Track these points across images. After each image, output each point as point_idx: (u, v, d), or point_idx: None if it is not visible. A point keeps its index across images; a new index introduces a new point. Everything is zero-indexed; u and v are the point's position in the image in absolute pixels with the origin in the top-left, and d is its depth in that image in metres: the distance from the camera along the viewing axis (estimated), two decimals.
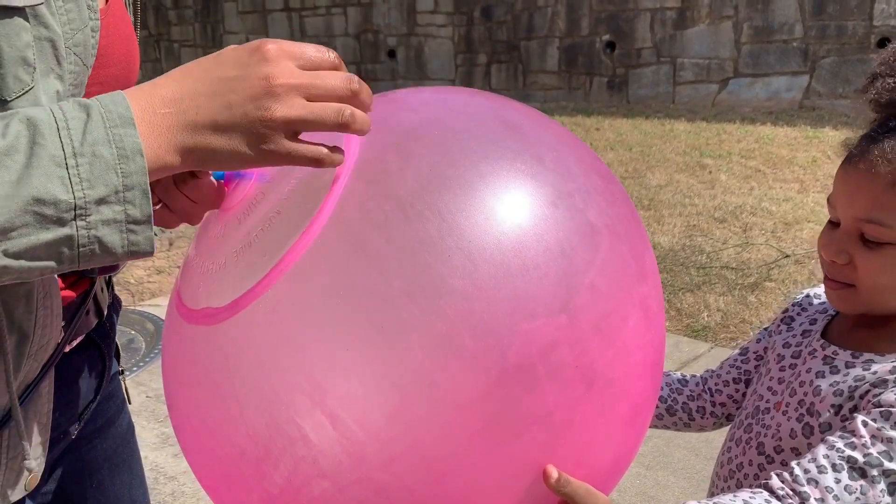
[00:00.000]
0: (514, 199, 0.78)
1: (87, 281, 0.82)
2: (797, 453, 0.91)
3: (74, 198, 0.60)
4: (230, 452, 0.78)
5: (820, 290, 1.07)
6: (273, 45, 0.66)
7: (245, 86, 0.64)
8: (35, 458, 0.76)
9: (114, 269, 0.81)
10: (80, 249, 0.61)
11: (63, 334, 0.77)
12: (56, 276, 0.73)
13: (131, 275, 4.08)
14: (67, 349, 0.84)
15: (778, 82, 7.87)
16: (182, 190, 0.78)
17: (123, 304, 3.70)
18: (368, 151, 0.80)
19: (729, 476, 1.00)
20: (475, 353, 0.72)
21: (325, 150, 0.70)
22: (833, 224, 0.93)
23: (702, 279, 3.96)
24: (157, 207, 0.79)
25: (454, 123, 0.84)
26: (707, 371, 1.18)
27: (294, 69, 0.66)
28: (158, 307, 3.74)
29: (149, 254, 0.66)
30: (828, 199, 0.94)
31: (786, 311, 1.08)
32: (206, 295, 0.80)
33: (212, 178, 0.81)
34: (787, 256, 4.14)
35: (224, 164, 0.68)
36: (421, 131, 0.82)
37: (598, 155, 0.96)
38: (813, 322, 1.02)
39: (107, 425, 0.98)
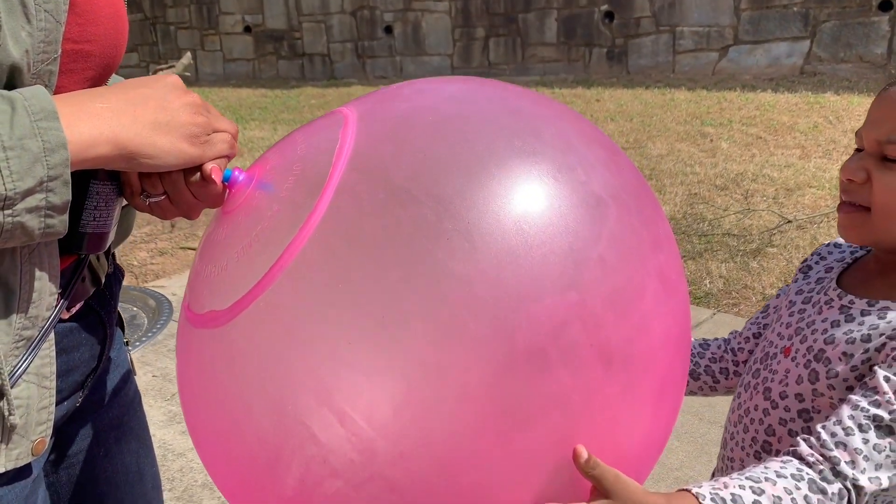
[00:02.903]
0: (512, 177, 0.74)
1: (75, 255, 0.83)
2: (801, 399, 0.90)
3: (6, 190, 0.63)
4: (242, 457, 0.77)
5: (841, 240, 1.04)
6: (188, 92, 0.79)
7: (174, 97, 0.75)
8: (40, 422, 0.77)
9: (101, 247, 0.82)
10: (2, 235, 0.65)
11: (59, 298, 0.77)
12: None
13: (135, 257, 4.09)
14: (66, 316, 0.84)
15: (778, 48, 7.79)
16: (190, 187, 0.79)
17: (125, 284, 3.73)
18: (363, 143, 0.77)
19: (738, 421, 0.99)
20: (481, 338, 0.69)
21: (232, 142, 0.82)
22: (857, 151, 0.92)
23: (704, 247, 3.95)
24: (162, 198, 0.80)
25: (447, 108, 0.80)
26: (732, 332, 1.16)
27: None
28: (162, 288, 3.75)
29: (61, 234, 0.70)
30: (856, 132, 0.93)
31: (805, 260, 1.06)
32: (210, 299, 0.79)
33: (220, 182, 0.82)
34: (789, 222, 4.12)
35: (160, 158, 0.74)
36: (414, 118, 0.79)
37: (599, 126, 0.94)
38: (829, 270, 1.00)
39: (113, 394, 0.98)
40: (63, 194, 0.67)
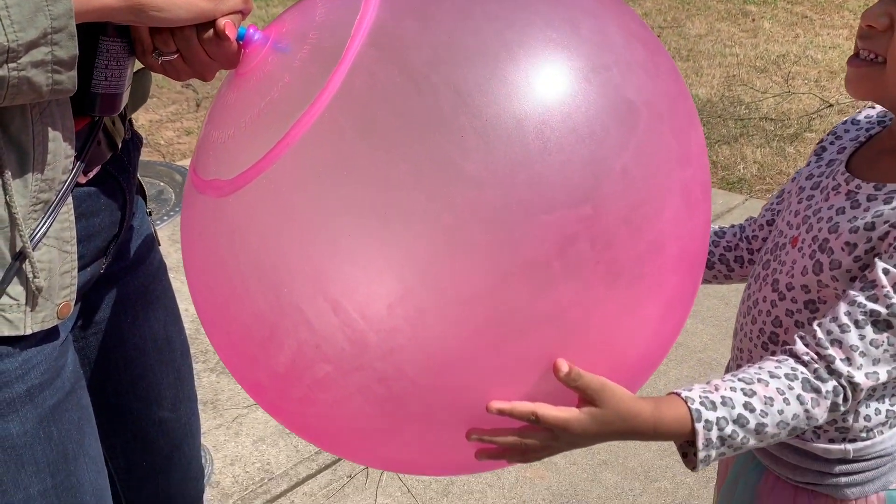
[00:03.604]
0: (540, 74, 0.68)
1: (88, 117, 0.82)
2: (806, 290, 0.88)
3: (8, 41, 0.61)
4: (238, 329, 0.77)
5: (860, 115, 0.99)
6: None
7: None
8: (64, 286, 0.77)
9: (114, 109, 0.81)
10: (9, 89, 0.63)
11: (74, 161, 0.77)
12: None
13: (161, 136, 4.08)
14: (83, 180, 0.83)
15: None
16: (203, 44, 0.76)
17: (151, 160, 3.73)
18: (386, 15, 0.71)
19: (746, 312, 0.98)
20: (484, 247, 0.66)
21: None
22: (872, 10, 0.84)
23: (739, 131, 3.83)
24: (174, 56, 0.77)
25: None
26: (748, 219, 1.12)
27: None
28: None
29: (70, 92, 0.68)
30: None
31: (821, 140, 1.01)
32: (216, 166, 0.77)
33: (234, 39, 0.79)
34: (831, 106, 3.97)
35: (170, 11, 0.70)
36: None
37: (636, 4, 0.88)
38: (842, 151, 0.95)
39: (137, 262, 0.99)
40: (69, 48, 0.65)
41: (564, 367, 0.71)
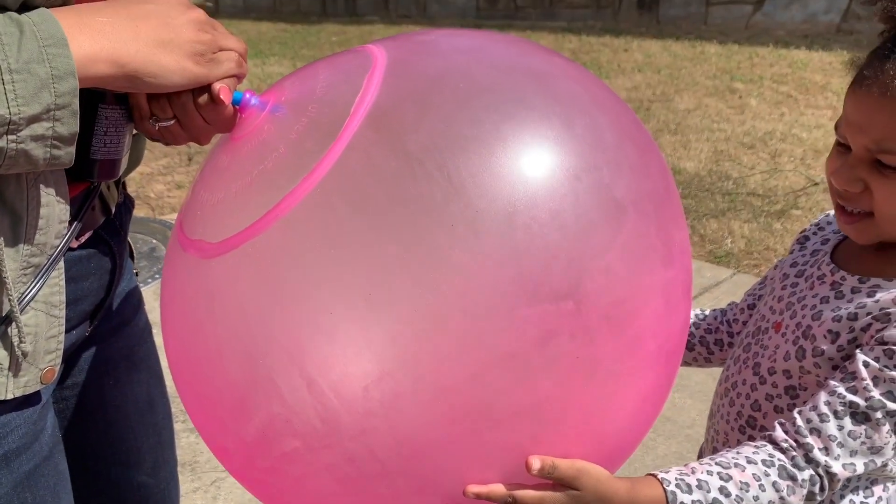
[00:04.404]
0: (533, 169, 0.69)
1: (86, 182, 0.82)
2: (788, 376, 0.88)
3: (10, 114, 0.61)
4: (210, 393, 0.75)
5: None
6: (196, 8, 0.74)
7: (177, 12, 0.71)
8: (49, 351, 0.76)
9: (113, 174, 0.81)
10: (5, 160, 0.63)
11: (68, 226, 0.76)
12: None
13: (151, 189, 4.07)
14: (75, 244, 0.82)
15: (816, 4, 7.51)
16: (199, 110, 0.76)
17: (144, 216, 3.73)
18: (386, 98, 0.72)
19: (724, 394, 0.98)
20: (465, 335, 0.66)
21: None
22: (842, 147, 0.85)
23: (727, 205, 3.89)
24: (171, 122, 0.77)
25: (482, 76, 0.74)
26: (730, 303, 1.13)
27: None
28: None
29: (67, 165, 0.68)
30: (836, 125, 0.85)
31: (804, 230, 1.03)
32: (202, 227, 0.77)
33: (229, 104, 0.79)
34: (816, 184, 4.04)
35: (164, 77, 0.70)
36: (444, 82, 0.73)
37: (626, 77, 0.89)
38: (825, 242, 0.96)
39: (123, 324, 0.97)
40: (71, 125, 0.65)
41: (537, 463, 0.70)
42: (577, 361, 0.69)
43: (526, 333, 0.66)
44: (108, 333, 0.95)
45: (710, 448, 1.01)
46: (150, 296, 1.04)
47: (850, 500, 0.89)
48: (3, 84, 0.60)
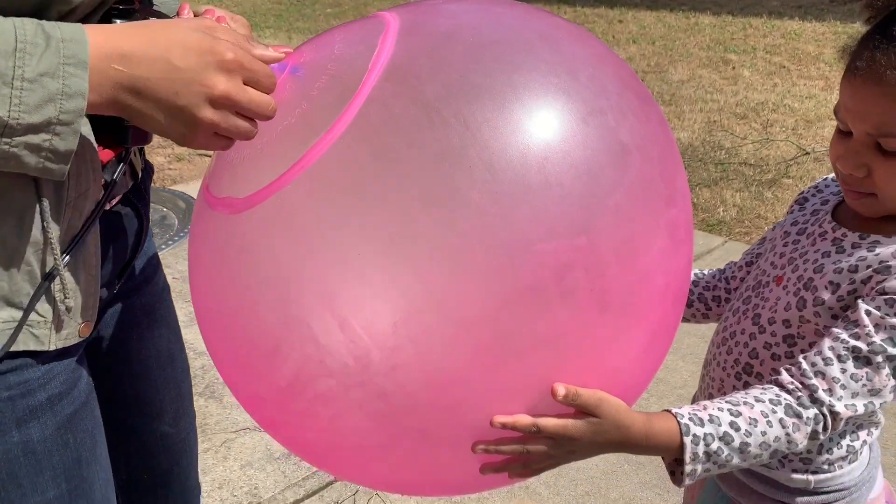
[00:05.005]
0: (543, 114, 0.73)
1: (121, 148, 0.86)
2: (787, 325, 0.93)
3: (9, 118, 0.62)
4: (244, 343, 0.78)
5: None
6: (231, 55, 0.70)
7: (197, 86, 0.68)
8: (87, 307, 0.80)
9: (145, 140, 0.84)
10: None
11: (103, 191, 0.80)
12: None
13: (152, 161, 4.10)
14: (108, 207, 0.87)
15: None
16: None
17: (153, 186, 3.77)
18: (401, 54, 0.75)
19: (722, 343, 1.02)
20: (487, 271, 0.69)
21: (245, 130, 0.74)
22: (843, 133, 0.88)
23: (720, 175, 3.94)
24: None
25: (490, 32, 0.78)
26: (728, 263, 1.18)
27: (238, 82, 0.71)
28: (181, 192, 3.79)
29: (57, 179, 0.69)
30: (835, 109, 0.89)
31: (802, 192, 1.07)
32: (229, 184, 0.79)
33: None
34: (807, 154, 4.09)
35: (150, 129, 0.72)
36: (455, 37, 0.77)
37: (620, 49, 0.93)
38: (825, 203, 1.00)
39: (144, 282, 1.02)
40: (69, 143, 0.66)
41: (562, 390, 0.74)
42: (592, 293, 0.73)
43: (544, 267, 0.70)
44: (131, 291, 0.99)
45: (704, 395, 1.05)
46: (164, 261, 1.09)
47: (838, 443, 0.94)
48: (12, 90, 0.62)
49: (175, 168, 4.07)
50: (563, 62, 0.78)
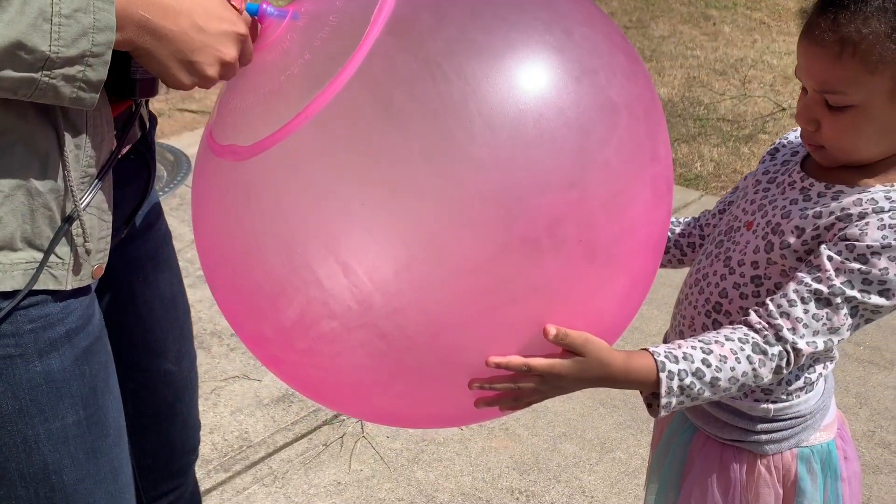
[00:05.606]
0: (539, 71, 0.76)
1: (130, 100, 0.90)
2: (755, 266, 0.99)
3: (50, 52, 0.69)
4: (248, 285, 0.81)
5: None
6: (244, 30, 0.81)
7: (212, 50, 0.78)
8: (99, 250, 0.85)
9: (152, 93, 0.89)
10: (35, 91, 0.71)
11: (115, 141, 0.85)
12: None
13: None
14: (120, 156, 0.90)
15: None
16: None
17: None
18: (403, 8, 0.77)
19: (694, 284, 1.08)
20: (484, 222, 0.72)
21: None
22: (804, 91, 0.96)
23: (698, 130, 3.99)
24: None
25: None
26: (703, 211, 1.23)
27: (240, 51, 0.81)
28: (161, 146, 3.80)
29: (87, 107, 0.76)
30: (795, 69, 0.96)
31: (773, 144, 1.13)
32: (234, 132, 0.81)
33: (246, 12, 0.81)
34: (784, 110, 4.16)
35: (156, 72, 0.79)
36: None
37: (603, 3, 0.97)
38: (794, 154, 1.06)
39: (148, 227, 1.06)
40: (100, 73, 0.72)
41: (552, 330, 0.80)
42: (580, 245, 0.77)
43: (537, 219, 0.74)
44: (136, 236, 1.03)
45: (675, 332, 1.12)
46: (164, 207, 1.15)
47: (796, 375, 1.02)
48: (51, 26, 0.68)
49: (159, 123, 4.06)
50: (558, 20, 0.81)
